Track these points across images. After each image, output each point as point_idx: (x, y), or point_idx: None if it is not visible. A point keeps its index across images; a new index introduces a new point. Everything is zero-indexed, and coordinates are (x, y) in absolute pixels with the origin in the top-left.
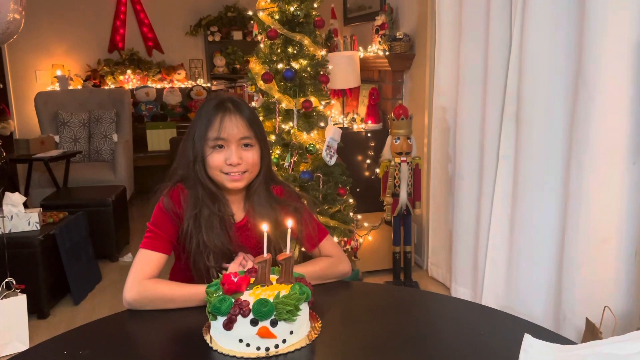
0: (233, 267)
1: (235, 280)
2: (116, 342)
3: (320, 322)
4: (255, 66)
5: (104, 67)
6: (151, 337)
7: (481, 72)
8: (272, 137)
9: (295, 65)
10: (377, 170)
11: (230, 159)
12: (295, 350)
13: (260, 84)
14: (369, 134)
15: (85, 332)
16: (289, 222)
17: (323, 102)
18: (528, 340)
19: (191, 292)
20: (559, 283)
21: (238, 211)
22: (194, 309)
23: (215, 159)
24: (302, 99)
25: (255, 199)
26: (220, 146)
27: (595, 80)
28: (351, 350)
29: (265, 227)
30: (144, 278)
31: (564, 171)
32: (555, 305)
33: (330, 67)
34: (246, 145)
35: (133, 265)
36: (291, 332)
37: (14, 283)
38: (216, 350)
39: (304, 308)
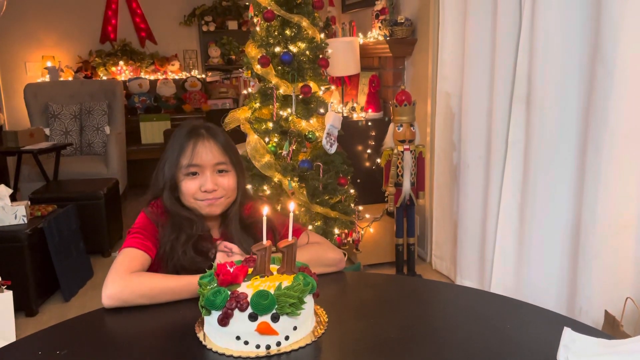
0: (221, 257)
1: (232, 270)
2: (98, 341)
3: (326, 316)
4: (252, 50)
5: (96, 59)
6: (138, 334)
7: (489, 54)
8: (270, 125)
9: (293, 48)
10: (378, 160)
11: (205, 186)
12: (300, 348)
13: (257, 68)
14: (369, 123)
15: (64, 330)
16: (291, 205)
17: (323, 88)
18: (569, 334)
19: (182, 284)
20: (574, 274)
21: (214, 234)
22: (185, 302)
23: (189, 186)
24: (300, 84)
25: (232, 227)
26: (194, 173)
27: (613, 56)
28: (362, 348)
29: (265, 210)
30: (128, 272)
31: (580, 155)
32: (570, 297)
33: (329, 51)
34: (221, 171)
35: (115, 263)
36: (294, 328)
37: (0, 279)
38: (210, 349)
39: (309, 301)
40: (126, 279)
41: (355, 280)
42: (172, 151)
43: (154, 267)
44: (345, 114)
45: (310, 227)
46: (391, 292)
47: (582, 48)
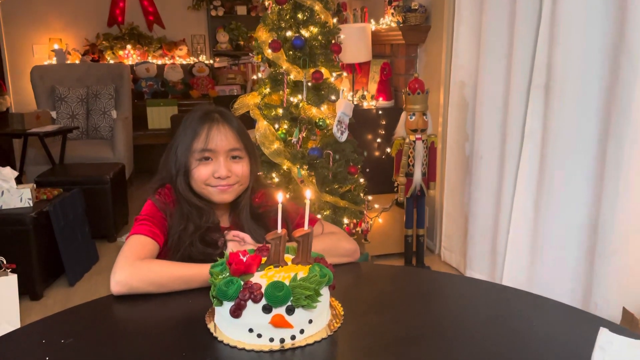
0: (233, 246)
1: (244, 259)
2: (104, 330)
3: (342, 309)
4: (263, 34)
5: (103, 42)
6: (145, 324)
7: (506, 42)
8: (280, 111)
9: (305, 33)
10: (388, 150)
11: (219, 172)
12: (315, 342)
13: (268, 53)
14: (379, 112)
15: (69, 317)
16: (307, 193)
17: (334, 74)
18: (605, 336)
19: (193, 273)
20: (591, 269)
21: (223, 223)
22: (195, 292)
23: (202, 172)
24: (312, 70)
25: (242, 216)
26: (207, 158)
27: (639, 47)
28: (380, 343)
29: (280, 196)
30: (137, 259)
31: (600, 147)
32: (585, 293)
33: (342, 36)
34: (234, 157)
35: (123, 249)
36: (310, 321)
37: (5, 262)
38: (222, 341)
39: (325, 293)
40: (135, 265)
41: (370, 272)
42: (184, 136)
43: (162, 256)
44: (355, 102)
45: (318, 216)
46: (410, 284)
47: (606, 36)
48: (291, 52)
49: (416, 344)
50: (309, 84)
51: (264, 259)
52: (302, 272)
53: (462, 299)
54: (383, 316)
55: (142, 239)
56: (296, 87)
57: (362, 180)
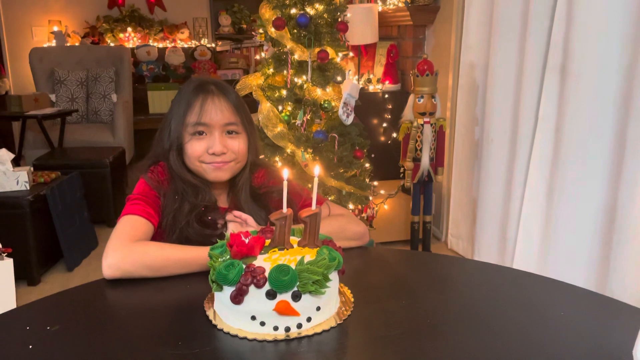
0: (234, 227)
1: (247, 241)
2: (95, 316)
3: (352, 296)
4: (266, 11)
5: (103, 24)
6: (139, 310)
7: (520, 22)
8: (283, 92)
9: (310, 10)
10: (394, 135)
11: (213, 148)
12: (323, 331)
13: (271, 31)
14: (386, 96)
15: (58, 302)
16: (316, 169)
17: (340, 54)
18: None
19: (191, 255)
20: (606, 256)
21: (221, 203)
22: (193, 276)
23: (195, 148)
24: (317, 49)
25: (241, 196)
26: (201, 133)
27: None
28: (393, 333)
29: (286, 173)
30: (131, 241)
31: (619, 130)
32: (600, 281)
33: (348, 15)
34: (231, 132)
35: (115, 230)
36: (318, 309)
37: (0, 246)
38: (221, 330)
39: (334, 278)
40: (129, 247)
41: (380, 256)
42: (177, 108)
43: (157, 238)
44: (360, 86)
45: None
46: (423, 269)
47: (627, 13)
48: (295, 31)
49: (433, 333)
50: (314, 64)
51: (267, 241)
52: (309, 255)
53: (480, 284)
54: (396, 303)
55: (136, 220)
56: (301, 67)
57: (367, 165)
